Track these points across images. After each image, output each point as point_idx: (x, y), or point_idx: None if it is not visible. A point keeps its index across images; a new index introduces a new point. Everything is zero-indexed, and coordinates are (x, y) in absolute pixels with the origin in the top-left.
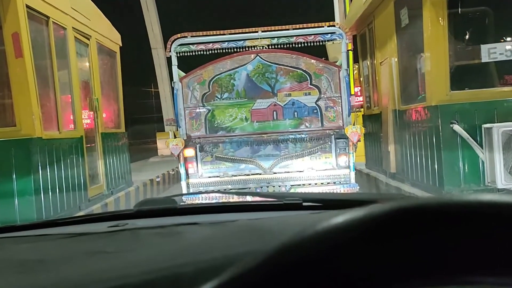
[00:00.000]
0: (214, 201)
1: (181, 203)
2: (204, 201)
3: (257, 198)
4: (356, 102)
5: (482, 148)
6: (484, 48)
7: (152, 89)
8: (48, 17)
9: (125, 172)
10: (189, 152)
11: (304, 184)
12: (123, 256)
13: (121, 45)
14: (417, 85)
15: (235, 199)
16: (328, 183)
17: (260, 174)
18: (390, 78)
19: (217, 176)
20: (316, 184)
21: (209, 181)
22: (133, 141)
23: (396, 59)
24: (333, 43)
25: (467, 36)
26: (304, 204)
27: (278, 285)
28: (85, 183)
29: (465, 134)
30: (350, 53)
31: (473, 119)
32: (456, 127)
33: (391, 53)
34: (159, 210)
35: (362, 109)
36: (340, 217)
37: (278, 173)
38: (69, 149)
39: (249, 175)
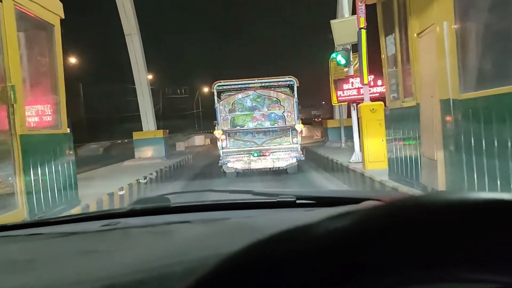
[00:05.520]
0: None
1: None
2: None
3: (251, 196)
4: (370, 94)
5: None
6: None
7: None
8: None
9: (68, 186)
10: (223, 136)
11: (277, 151)
12: (114, 255)
13: (62, 16)
14: (493, 61)
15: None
16: (287, 150)
17: (257, 146)
18: (440, 53)
19: (236, 148)
20: (282, 150)
21: (232, 150)
22: (112, 142)
23: (451, 24)
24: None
25: None
26: (298, 201)
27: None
28: None
29: None
30: (363, 32)
31: None
32: None
33: (441, 16)
34: (152, 209)
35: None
36: (339, 216)
37: (265, 146)
38: None
39: (251, 147)
